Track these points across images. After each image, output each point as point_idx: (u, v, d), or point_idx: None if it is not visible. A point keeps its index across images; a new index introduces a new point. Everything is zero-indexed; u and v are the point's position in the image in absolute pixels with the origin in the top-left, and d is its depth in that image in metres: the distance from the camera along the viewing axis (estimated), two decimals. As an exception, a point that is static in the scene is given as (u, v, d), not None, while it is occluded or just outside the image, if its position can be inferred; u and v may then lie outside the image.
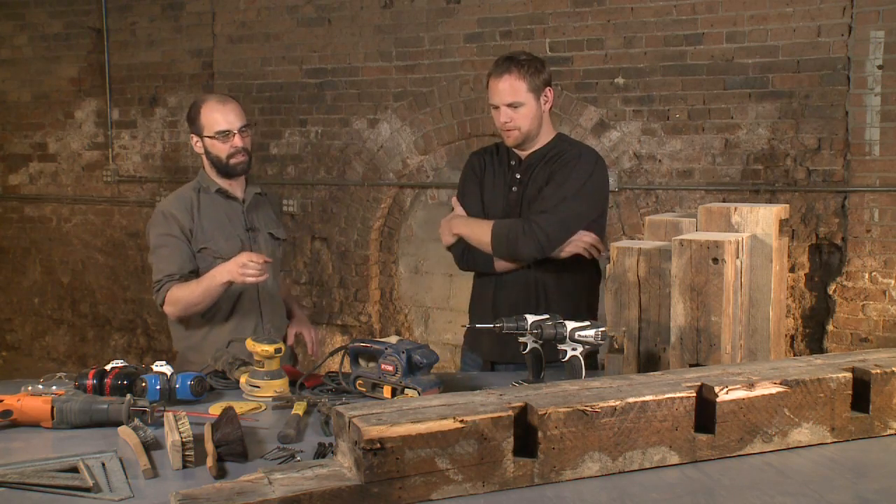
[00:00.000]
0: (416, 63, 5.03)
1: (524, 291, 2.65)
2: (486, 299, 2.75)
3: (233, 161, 2.73)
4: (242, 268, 2.54)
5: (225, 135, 2.70)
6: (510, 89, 2.59)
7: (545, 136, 2.71)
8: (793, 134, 4.18)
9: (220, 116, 2.71)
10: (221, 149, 2.72)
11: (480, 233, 2.62)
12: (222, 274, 2.59)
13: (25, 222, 6.41)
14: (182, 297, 2.65)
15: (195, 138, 2.76)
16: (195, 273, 2.70)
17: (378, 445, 1.24)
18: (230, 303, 2.76)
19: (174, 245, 2.69)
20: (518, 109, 2.60)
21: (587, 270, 2.70)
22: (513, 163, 2.72)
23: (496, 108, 2.63)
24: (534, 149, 2.70)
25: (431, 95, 5.00)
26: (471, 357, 2.83)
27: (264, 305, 2.82)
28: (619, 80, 4.52)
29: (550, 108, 2.69)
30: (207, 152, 2.76)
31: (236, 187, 2.84)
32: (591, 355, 2.31)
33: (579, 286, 2.71)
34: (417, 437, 1.27)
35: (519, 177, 2.69)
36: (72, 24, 6.07)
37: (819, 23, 4.08)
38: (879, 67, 3.97)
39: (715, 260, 1.83)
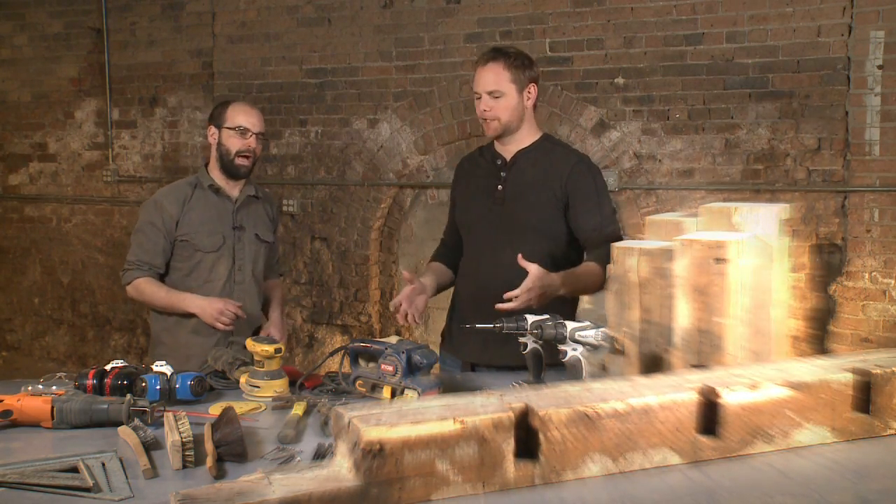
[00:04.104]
0: (416, 63, 5.03)
1: (503, 289, 2.64)
2: (466, 301, 2.75)
3: (238, 159, 2.89)
4: (219, 314, 2.77)
5: (243, 131, 2.88)
6: (493, 77, 2.61)
7: (530, 135, 2.72)
8: (793, 134, 4.18)
9: (245, 116, 2.90)
10: (235, 143, 2.88)
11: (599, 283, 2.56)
12: (194, 307, 2.81)
13: (25, 222, 6.41)
14: (147, 295, 2.89)
15: (212, 129, 2.92)
16: (165, 266, 2.91)
17: (377, 447, 1.24)
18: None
19: (154, 236, 2.88)
20: (498, 99, 2.61)
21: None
22: (498, 162, 2.73)
23: (479, 97, 2.65)
24: (519, 147, 2.71)
25: (431, 95, 4.99)
26: (451, 359, 2.81)
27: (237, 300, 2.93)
28: (619, 80, 4.52)
29: (534, 105, 2.70)
30: (220, 144, 2.90)
31: (233, 187, 2.97)
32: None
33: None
34: (417, 438, 1.26)
35: (504, 175, 2.71)
36: (72, 24, 6.06)
37: (819, 23, 4.08)
38: (879, 67, 3.97)
39: (718, 260, 1.83)
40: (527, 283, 2.31)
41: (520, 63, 2.64)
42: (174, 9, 5.71)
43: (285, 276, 5.24)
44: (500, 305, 2.33)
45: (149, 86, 5.86)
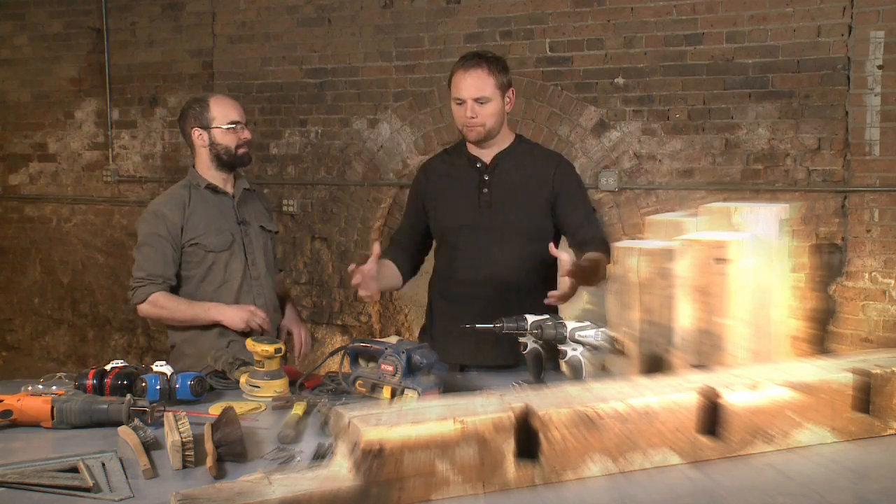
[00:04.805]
0: (416, 63, 5.02)
1: (493, 291, 2.66)
2: (457, 303, 2.74)
3: (241, 151, 2.85)
4: (252, 315, 2.72)
5: (236, 126, 2.83)
6: (478, 84, 2.59)
7: (507, 138, 2.73)
8: (793, 134, 4.18)
9: (231, 109, 2.84)
10: (232, 139, 2.83)
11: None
12: (220, 316, 2.73)
13: (25, 222, 6.41)
14: (167, 309, 2.77)
15: (199, 132, 2.83)
16: (177, 277, 2.80)
17: (377, 447, 1.24)
18: (230, 300, 2.82)
19: (159, 246, 2.77)
20: (484, 105, 2.60)
21: (548, 270, 2.73)
22: (478, 165, 2.72)
23: (460, 102, 2.62)
24: (498, 150, 2.71)
25: (431, 95, 4.99)
26: None
27: (258, 301, 2.88)
28: (619, 80, 4.52)
29: (510, 109, 2.71)
30: (214, 144, 2.83)
31: (227, 183, 2.91)
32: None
33: (541, 286, 2.72)
34: (417, 439, 1.26)
35: (488, 178, 2.70)
36: (72, 24, 6.06)
37: (819, 23, 4.08)
38: (879, 67, 3.96)
39: (719, 260, 1.83)
40: (566, 267, 2.29)
41: (501, 68, 2.64)
42: (174, 9, 5.70)
43: (286, 274, 5.23)
44: (552, 293, 2.33)
45: (149, 86, 5.86)
